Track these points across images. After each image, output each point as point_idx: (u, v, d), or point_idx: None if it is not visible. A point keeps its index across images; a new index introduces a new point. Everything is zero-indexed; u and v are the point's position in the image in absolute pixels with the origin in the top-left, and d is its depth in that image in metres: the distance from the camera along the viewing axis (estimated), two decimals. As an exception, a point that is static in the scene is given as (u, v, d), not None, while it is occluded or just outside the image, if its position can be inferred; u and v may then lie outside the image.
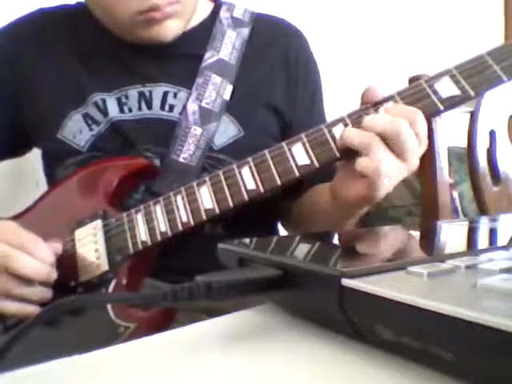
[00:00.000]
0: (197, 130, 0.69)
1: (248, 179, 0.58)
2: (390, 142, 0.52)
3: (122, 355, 0.25)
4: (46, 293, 0.61)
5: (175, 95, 0.71)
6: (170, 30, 0.67)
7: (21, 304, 0.60)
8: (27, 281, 0.59)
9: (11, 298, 0.60)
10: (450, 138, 0.88)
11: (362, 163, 0.52)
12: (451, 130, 0.89)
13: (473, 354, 0.17)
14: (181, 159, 0.68)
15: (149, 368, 0.23)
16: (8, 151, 0.83)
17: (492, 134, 0.92)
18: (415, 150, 0.53)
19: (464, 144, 0.91)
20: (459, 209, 0.99)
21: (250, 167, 0.58)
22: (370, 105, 0.55)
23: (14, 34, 0.77)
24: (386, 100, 0.55)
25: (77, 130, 0.71)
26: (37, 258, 0.60)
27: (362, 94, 0.56)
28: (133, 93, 0.71)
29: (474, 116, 0.90)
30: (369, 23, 1.74)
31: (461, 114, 0.91)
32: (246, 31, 0.76)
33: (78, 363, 0.24)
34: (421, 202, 0.93)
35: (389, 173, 0.52)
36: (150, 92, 0.71)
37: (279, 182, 0.56)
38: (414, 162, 0.54)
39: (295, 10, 1.34)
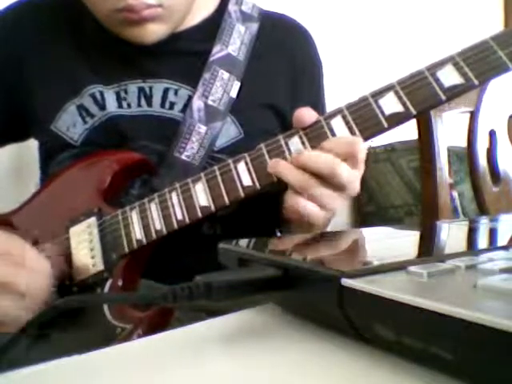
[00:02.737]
0: (201, 128, 0.68)
1: (244, 175, 0.57)
2: (325, 179, 0.53)
3: (121, 355, 0.25)
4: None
5: (176, 92, 0.70)
6: (151, 32, 0.66)
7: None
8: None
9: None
10: (450, 138, 0.88)
11: (294, 203, 0.55)
12: (451, 129, 0.89)
13: (473, 354, 0.17)
14: (183, 157, 0.67)
15: (149, 368, 0.23)
16: (7, 137, 0.82)
17: (492, 133, 0.92)
18: (352, 181, 0.54)
19: (464, 144, 0.91)
20: (459, 209, 0.99)
21: (246, 163, 0.57)
22: (301, 128, 0.56)
23: (13, 18, 0.75)
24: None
25: (70, 123, 0.70)
26: (33, 271, 0.57)
27: (293, 118, 0.57)
28: (132, 88, 0.70)
29: (473, 116, 0.90)
30: (371, 20, 1.74)
31: (461, 114, 0.91)
32: (254, 26, 0.74)
33: (78, 363, 0.24)
34: (421, 202, 0.93)
35: (326, 205, 0.54)
36: (151, 88, 0.70)
37: (275, 178, 0.55)
38: (355, 190, 0.55)
39: (297, 6, 1.34)
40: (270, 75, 0.75)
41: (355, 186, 0.55)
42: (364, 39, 1.71)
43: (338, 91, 1.04)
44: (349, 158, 0.52)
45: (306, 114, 0.56)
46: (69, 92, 0.71)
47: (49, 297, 0.58)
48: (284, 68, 0.76)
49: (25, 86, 0.73)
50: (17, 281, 0.55)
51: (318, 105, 0.79)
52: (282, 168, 0.55)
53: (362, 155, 0.53)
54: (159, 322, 0.57)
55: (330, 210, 0.55)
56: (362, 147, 0.53)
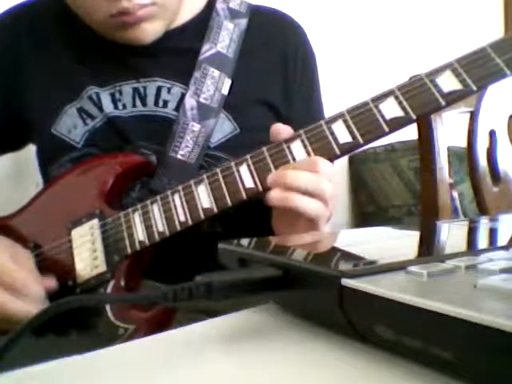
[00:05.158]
0: (195, 126, 0.68)
1: (246, 177, 0.57)
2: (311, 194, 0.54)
3: (122, 355, 0.25)
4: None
5: (169, 90, 0.70)
6: (148, 32, 0.66)
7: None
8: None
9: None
10: (450, 138, 0.88)
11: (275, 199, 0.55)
12: (451, 129, 0.89)
13: (473, 354, 0.17)
14: (179, 156, 0.67)
15: (149, 368, 0.23)
16: (5, 145, 0.82)
17: (492, 133, 0.92)
18: (332, 195, 0.55)
19: (464, 144, 0.91)
20: (459, 209, 0.98)
21: (248, 165, 0.57)
22: (279, 142, 0.57)
23: (9, 24, 0.75)
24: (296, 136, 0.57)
25: (71, 125, 0.70)
26: (28, 300, 0.58)
27: (270, 133, 0.58)
28: (127, 89, 0.70)
29: (473, 116, 0.90)
30: (370, 21, 1.74)
31: (461, 114, 0.91)
32: (243, 23, 0.74)
33: (78, 363, 0.24)
34: (421, 202, 0.93)
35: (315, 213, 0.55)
36: (145, 88, 0.70)
37: None
38: (334, 204, 0.57)
39: (297, 6, 1.34)
40: (262, 70, 0.74)
41: (334, 202, 0.56)
42: (364, 44, 1.71)
43: (339, 96, 1.04)
44: (322, 174, 0.54)
45: (283, 129, 0.57)
46: (68, 95, 0.71)
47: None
48: (276, 63, 0.75)
49: (23, 92, 0.74)
50: (10, 310, 0.56)
51: (312, 99, 0.79)
52: (271, 196, 0.55)
53: (328, 172, 0.55)
54: (162, 323, 0.58)
55: (322, 221, 0.57)
56: (323, 166, 0.54)
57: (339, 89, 1.40)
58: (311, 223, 0.56)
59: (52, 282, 0.63)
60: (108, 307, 0.59)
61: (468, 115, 0.91)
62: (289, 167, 0.55)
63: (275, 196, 0.54)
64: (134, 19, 0.64)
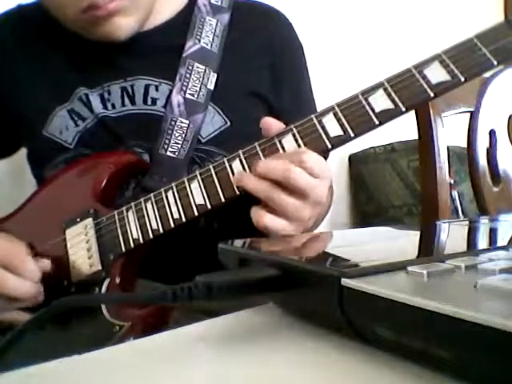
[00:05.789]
0: (183, 123, 0.68)
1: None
2: (284, 186, 0.53)
3: (121, 355, 0.25)
4: (39, 296, 0.61)
5: (157, 88, 0.70)
6: (120, 27, 0.66)
7: (16, 313, 0.60)
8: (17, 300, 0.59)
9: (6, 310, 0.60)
10: (450, 138, 0.88)
11: (256, 216, 0.54)
12: (451, 129, 0.89)
13: (473, 354, 0.17)
14: (169, 153, 0.68)
15: (148, 368, 0.23)
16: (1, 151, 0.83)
17: (492, 133, 0.92)
18: (313, 186, 0.54)
19: (464, 144, 0.91)
20: (459, 209, 0.99)
21: (241, 160, 0.57)
22: (270, 138, 0.56)
23: None
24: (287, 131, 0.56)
25: (63, 126, 0.71)
26: (25, 278, 0.60)
27: (261, 126, 0.57)
28: (115, 88, 0.71)
29: (473, 116, 0.90)
30: (367, 19, 1.74)
31: (461, 114, 0.91)
32: (226, 17, 0.74)
33: (78, 363, 0.24)
34: (421, 201, 0.93)
35: (293, 215, 0.54)
36: (132, 86, 0.71)
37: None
38: (319, 197, 0.55)
39: (291, 3, 1.34)
40: (249, 62, 0.74)
41: (318, 193, 0.54)
42: (359, 38, 1.71)
43: (330, 90, 1.04)
44: (300, 166, 0.53)
45: (274, 123, 0.57)
46: (58, 97, 0.72)
47: (39, 299, 0.61)
48: (262, 54, 0.75)
49: (14, 97, 0.74)
50: (5, 287, 0.58)
51: (302, 89, 0.79)
52: (245, 179, 0.55)
53: (312, 163, 0.53)
54: (157, 320, 0.58)
55: (299, 220, 0.55)
56: (309, 156, 0.53)
57: (330, 83, 1.39)
58: (287, 218, 0.54)
59: (46, 263, 0.63)
60: (103, 305, 0.59)
61: (468, 115, 0.91)
62: (276, 157, 0.55)
63: (244, 180, 0.55)
64: (104, 13, 0.64)
